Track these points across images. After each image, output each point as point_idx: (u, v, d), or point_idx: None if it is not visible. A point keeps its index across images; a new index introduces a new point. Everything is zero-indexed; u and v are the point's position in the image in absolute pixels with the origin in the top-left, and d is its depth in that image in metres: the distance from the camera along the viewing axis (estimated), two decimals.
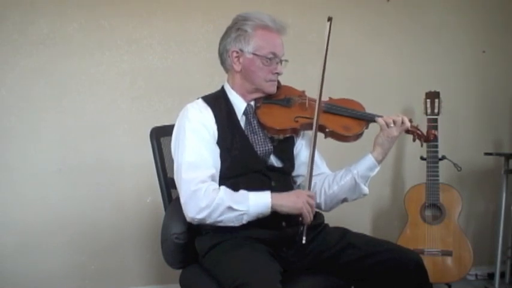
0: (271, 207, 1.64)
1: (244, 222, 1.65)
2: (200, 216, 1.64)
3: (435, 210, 2.92)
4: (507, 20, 3.35)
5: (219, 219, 1.64)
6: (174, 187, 1.96)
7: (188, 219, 1.68)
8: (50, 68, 2.80)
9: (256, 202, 1.64)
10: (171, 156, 1.84)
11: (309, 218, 1.66)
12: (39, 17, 2.77)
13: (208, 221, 1.65)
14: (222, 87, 1.89)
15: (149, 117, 2.85)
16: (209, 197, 1.63)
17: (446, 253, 2.85)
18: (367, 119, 1.83)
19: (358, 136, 1.83)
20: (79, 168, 2.82)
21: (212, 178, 1.70)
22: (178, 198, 1.87)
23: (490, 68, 3.32)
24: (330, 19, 1.81)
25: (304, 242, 1.65)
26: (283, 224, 1.75)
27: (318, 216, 1.88)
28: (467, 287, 3.09)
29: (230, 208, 1.62)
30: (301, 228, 1.68)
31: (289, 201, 1.66)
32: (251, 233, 1.69)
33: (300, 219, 1.67)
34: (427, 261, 1.81)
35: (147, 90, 2.91)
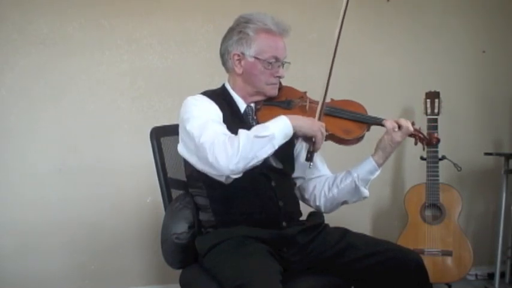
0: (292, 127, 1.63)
1: (276, 147, 1.60)
2: (234, 160, 1.55)
3: (435, 210, 2.92)
4: (507, 20, 3.35)
5: (252, 154, 1.56)
6: (174, 187, 1.97)
7: (225, 175, 1.59)
8: (50, 68, 2.80)
9: (278, 125, 1.62)
10: (171, 156, 1.84)
11: (319, 144, 1.68)
12: (39, 16, 2.77)
13: (243, 163, 1.56)
14: (223, 86, 1.88)
15: (149, 117, 2.85)
16: (234, 141, 1.57)
17: (446, 253, 2.85)
18: (369, 122, 1.81)
19: (358, 139, 1.81)
20: (79, 168, 2.82)
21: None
22: (178, 198, 1.88)
23: (490, 68, 3.32)
24: None
25: (310, 167, 1.72)
26: (284, 224, 1.75)
27: (318, 216, 1.89)
28: (467, 287, 3.09)
29: (256, 137, 1.58)
30: (309, 155, 1.71)
31: (306, 123, 1.66)
32: (251, 233, 1.68)
33: (311, 147, 1.69)
34: (427, 261, 1.81)
35: (147, 90, 2.91)
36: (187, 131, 1.66)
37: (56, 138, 2.81)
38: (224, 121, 1.73)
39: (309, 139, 1.70)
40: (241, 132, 1.60)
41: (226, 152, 1.56)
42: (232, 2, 2.89)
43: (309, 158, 1.71)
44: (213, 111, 1.73)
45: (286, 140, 1.63)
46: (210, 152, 1.58)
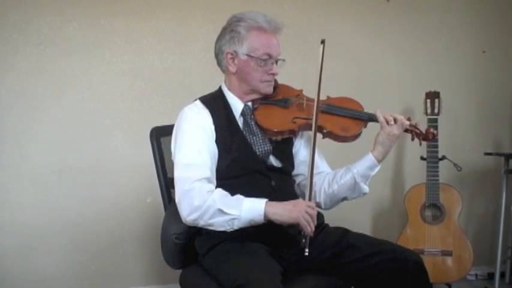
0: (265, 215, 1.59)
1: (235, 227, 1.61)
2: (192, 217, 1.61)
3: (435, 210, 2.92)
4: (507, 20, 3.34)
5: (210, 221, 1.61)
6: (174, 187, 1.97)
7: (183, 220, 1.66)
8: (50, 68, 2.79)
9: (249, 208, 1.59)
10: (171, 156, 1.84)
11: (308, 228, 1.59)
12: (39, 17, 2.77)
13: (200, 223, 1.62)
14: (220, 88, 1.88)
15: (149, 117, 2.85)
16: (202, 198, 1.60)
17: (446, 253, 2.85)
18: (366, 119, 1.82)
19: (356, 136, 1.82)
20: (79, 168, 2.82)
21: (208, 181, 1.67)
22: None
23: (490, 68, 3.32)
24: (323, 41, 1.79)
25: (306, 254, 1.61)
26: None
27: (318, 216, 1.88)
28: (467, 287, 3.09)
29: (221, 211, 1.59)
30: (303, 240, 1.62)
31: (284, 210, 1.61)
32: (251, 233, 1.68)
33: (301, 231, 1.62)
34: (427, 261, 1.81)
35: (147, 90, 2.91)
36: (175, 158, 1.72)
37: (55, 138, 2.81)
38: (218, 128, 1.75)
39: (296, 226, 1.62)
40: (216, 193, 1.62)
41: (191, 202, 1.61)
42: (232, 2, 2.88)
43: (304, 243, 1.60)
44: (204, 137, 1.73)
45: (253, 224, 1.61)
46: (177, 195, 1.66)
